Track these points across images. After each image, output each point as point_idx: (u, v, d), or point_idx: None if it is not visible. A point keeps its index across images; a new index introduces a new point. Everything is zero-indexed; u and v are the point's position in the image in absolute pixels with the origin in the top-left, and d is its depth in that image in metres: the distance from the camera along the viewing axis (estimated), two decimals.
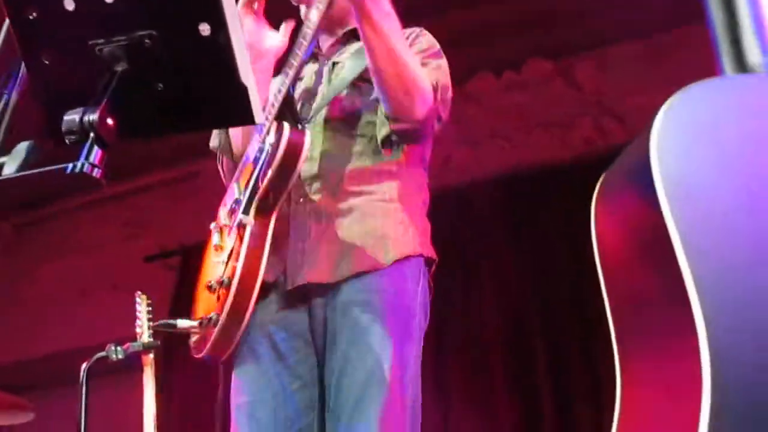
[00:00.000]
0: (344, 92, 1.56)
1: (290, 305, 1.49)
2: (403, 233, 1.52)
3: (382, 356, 1.40)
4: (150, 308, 2.11)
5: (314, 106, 1.56)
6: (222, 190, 1.68)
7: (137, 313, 2.11)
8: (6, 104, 0.92)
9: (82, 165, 0.80)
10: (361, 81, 1.55)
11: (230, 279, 1.39)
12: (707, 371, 0.68)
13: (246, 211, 1.42)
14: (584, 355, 3.26)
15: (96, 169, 0.80)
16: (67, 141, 0.82)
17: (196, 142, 1.95)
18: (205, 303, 1.49)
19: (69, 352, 3.64)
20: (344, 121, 1.58)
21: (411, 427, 1.42)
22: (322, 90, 1.60)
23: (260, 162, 1.45)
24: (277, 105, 1.47)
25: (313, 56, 1.76)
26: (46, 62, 0.87)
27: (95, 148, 0.81)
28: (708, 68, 1.06)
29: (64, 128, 0.81)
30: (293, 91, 1.54)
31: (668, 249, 0.73)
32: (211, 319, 1.40)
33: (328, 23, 1.71)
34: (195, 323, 1.45)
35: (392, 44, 1.41)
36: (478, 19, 3.56)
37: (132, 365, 2.16)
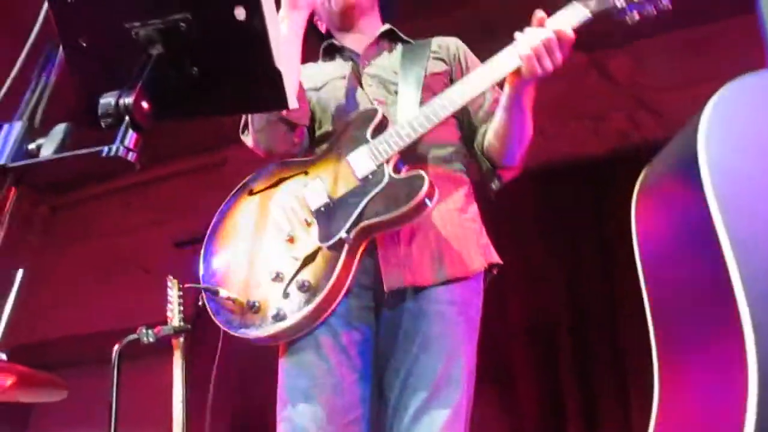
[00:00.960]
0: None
1: (362, 303, 1.54)
2: (480, 244, 1.61)
3: (453, 363, 1.47)
4: (181, 292, 2.13)
5: (403, 133, 1.53)
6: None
7: (168, 297, 2.13)
8: (44, 87, 0.93)
9: (117, 148, 0.80)
10: (424, 91, 1.61)
11: (312, 287, 1.43)
12: (753, 367, 0.66)
13: (349, 231, 1.45)
14: (611, 350, 3.22)
15: (131, 153, 0.80)
16: (102, 124, 0.82)
17: (225, 128, 1.96)
18: (257, 284, 1.49)
19: (101, 333, 3.70)
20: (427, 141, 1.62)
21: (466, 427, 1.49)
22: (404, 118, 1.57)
23: (375, 189, 1.47)
24: (407, 141, 1.50)
25: (339, 52, 1.78)
26: (83, 45, 0.87)
27: (130, 131, 0.81)
28: (747, 62, 1.02)
29: (99, 111, 0.82)
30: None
31: (713, 242, 0.70)
32: (275, 313, 1.43)
33: (353, 21, 1.76)
34: (240, 299, 1.46)
35: (529, 118, 1.57)
36: (512, 7, 3.52)
37: (162, 349, 2.19)
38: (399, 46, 1.76)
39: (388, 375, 1.50)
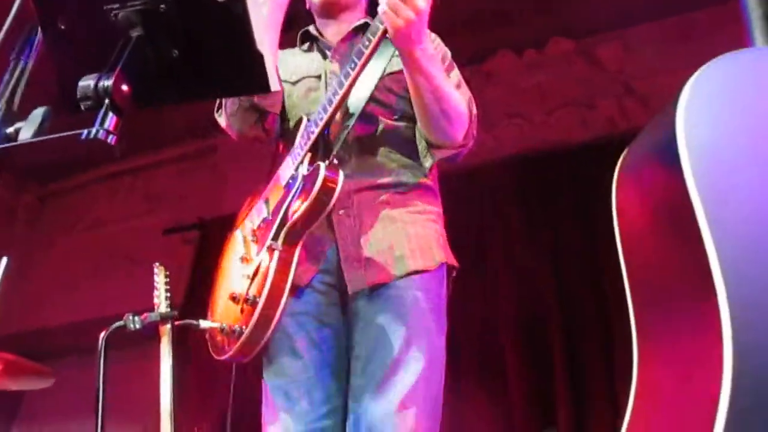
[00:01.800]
0: (364, 107, 1.57)
1: (329, 301, 1.59)
2: (441, 245, 1.63)
3: (412, 346, 1.49)
4: (167, 279, 2.13)
5: (344, 124, 1.56)
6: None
7: (155, 284, 2.12)
8: (22, 70, 0.92)
9: (97, 131, 0.79)
10: (381, 92, 1.61)
11: (256, 298, 1.49)
12: (729, 348, 0.67)
13: (275, 237, 1.50)
14: (600, 339, 3.23)
15: (111, 136, 0.80)
16: (81, 107, 0.82)
17: (211, 116, 1.95)
18: (227, 311, 1.60)
19: (87, 322, 3.69)
20: (372, 136, 1.63)
21: (433, 413, 1.50)
22: (347, 104, 1.57)
23: (292, 191, 1.52)
24: (312, 138, 1.53)
25: (315, 42, 1.77)
26: (62, 27, 0.86)
27: (110, 114, 0.80)
28: (735, 48, 1.03)
29: (78, 94, 0.81)
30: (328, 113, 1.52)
31: (692, 222, 0.71)
32: (235, 330, 1.52)
33: (334, 13, 1.73)
34: (216, 326, 1.59)
35: (437, 84, 1.50)
36: None
37: (149, 336, 2.18)
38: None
39: (352, 362, 1.54)
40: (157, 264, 2.18)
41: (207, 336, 1.66)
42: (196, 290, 4.12)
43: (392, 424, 1.44)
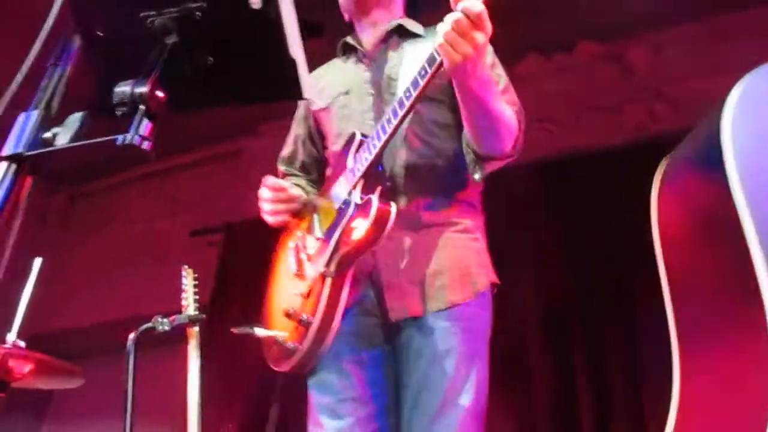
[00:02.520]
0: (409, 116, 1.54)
1: (374, 325, 1.59)
2: (483, 264, 1.62)
3: (461, 378, 1.50)
4: (196, 282, 2.15)
5: (384, 138, 1.51)
6: (263, 172, 1.72)
7: (183, 286, 2.14)
8: (60, 76, 0.93)
9: (132, 137, 0.80)
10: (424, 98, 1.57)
11: (309, 320, 1.52)
12: None
13: (328, 264, 1.52)
14: (626, 350, 3.19)
15: (145, 142, 0.80)
16: (117, 113, 0.83)
17: (239, 120, 1.97)
18: (282, 324, 1.62)
19: (115, 322, 3.74)
20: (417, 149, 1.61)
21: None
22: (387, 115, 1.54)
23: (344, 217, 1.52)
24: (367, 165, 1.51)
25: (351, 48, 1.76)
26: (99, 34, 0.88)
27: (145, 120, 0.81)
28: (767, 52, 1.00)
29: (114, 100, 0.82)
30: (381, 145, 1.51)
31: (737, 232, 0.69)
32: (289, 348, 1.56)
33: (366, 9, 1.73)
34: (273, 335, 1.61)
35: (490, 106, 1.46)
36: None
37: (177, 337, 2.20)
38: (405, 45, 1.68)
39: (402, 391, 1.55)
40: (185, 267, 2.20)
41: (263, 343, 1.68)
42: (222, 292, 4.15)
43: None
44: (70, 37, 0.93)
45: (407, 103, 1.42)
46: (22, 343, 2.19)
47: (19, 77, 0.91)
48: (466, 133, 1.56)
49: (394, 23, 1.73)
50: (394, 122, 1.46)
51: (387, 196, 1.50)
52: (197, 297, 2.13)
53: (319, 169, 1.85)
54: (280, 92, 0.87)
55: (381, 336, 1.59)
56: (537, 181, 3.66)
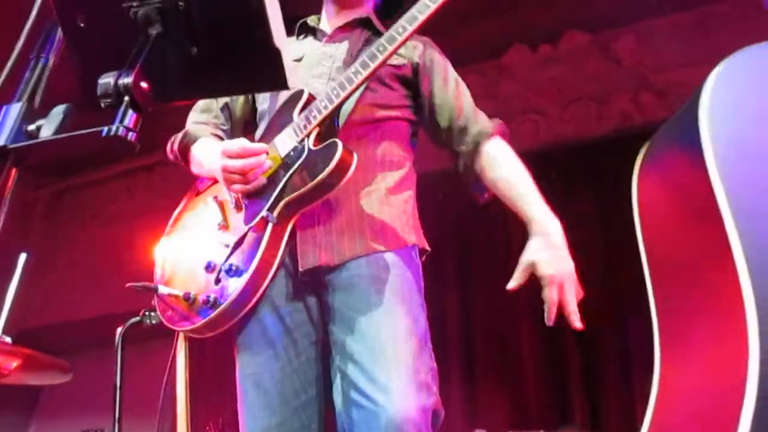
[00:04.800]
0: (362, 92, 1.56)
1: (296, 283, 1.52)
2: (411, 224, 1.58)
3: (396, 321, 1.41)
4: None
5: (342, 110, 1.54)
6: None
7: None
8: (43, 68, 0.93)
9: (117, 128, 0.80)
10: (373, 80, 1.57)
11: (240, 270, 1.43)
12: (754, 334, 0.66)
13: (271, 209, 1.45)
14: (616, 332, 3.22)
15: (131, 133, 0.80)
16: (101, 104, 0.82)
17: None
18: (194, 278, 1.51)
19: (104, 317, 3.73)
20: (358, 120, 1.59)
21: (432, 381, 1.42)
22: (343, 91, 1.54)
23: (295, 165, 1.46)
24: (326, 113, 1.48)
25: (312, 30, 1.76)
26: (82, 25, 0.87)
27: (130, 111, 0.81)
28: (753, 41, 1.01)
29: (98, 92, 0.82)
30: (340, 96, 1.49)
31: (715, 212, 0.70)
32: (208, 300, 1.44)
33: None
34: (180, 294, 1.48)
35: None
36: None
37: (165, 331, 2.20)
38: (370, 37, 1.68)
39: (330, 345, 1.47)
40: None
41: (161, 304, 1.56)
42: None
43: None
44: (53, 29, 0.93)
45: (380, 56, 1.43)
46: (8, 339, 2.18)
47: (5, 71, 0.90)
48: (486, 179, 1.66)
49: (362, 15, 1.74)
50: (363, 73, 1.44)
51: (351, 151, 1.45)
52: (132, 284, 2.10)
53: (233, 122, 1.79)
54: (264, 82, 0.87)
55: (302, 296, 1.51)
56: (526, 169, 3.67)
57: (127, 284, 1.55)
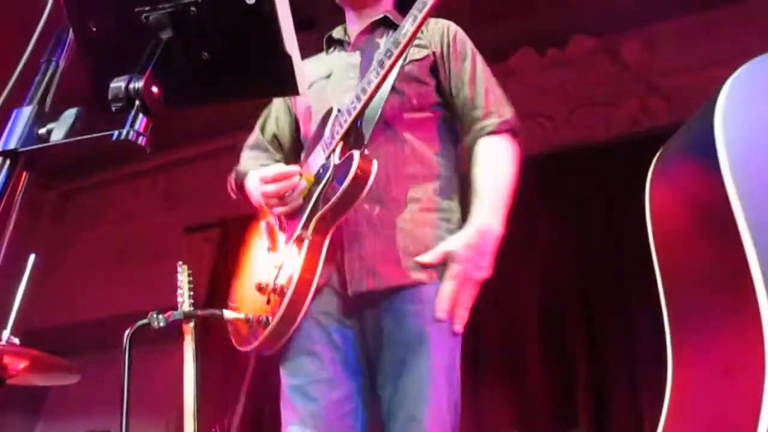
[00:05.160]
0: (388, 97, 1.56)
1: (344, 305, 1.56)
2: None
3: (437, 365, 1.47)
4: (191, 278, 2.15)
5: (366, 117, 1.55)
6: None
7: (178, 283, 2.14)
8: (54, 71, 0.93)
9: (128, 132, 0.80)
10: (400, 81, 1.58)
11: (284, 289, 1.48)
12: None
13: (305, 227, 1.50)
14: (623, 339, 3.21)
15: (141, 137, 0.80)
16: (112, 108, 0.83)
17: (234, 115, 1.97)
18: (253, 301, 1.58)
19: (111, 318, 3.74)
20: (388, 127, 1.60)
21: (453, 425, 1.49)
22: (372, 107, 1.56)
23: (323, 180, 1.51)
24: (346, 126, 1.51)
25: (336, 41, 1.78)
26: (93, 29, 0.88)
27: (140, 115, 0.81)
28: (762, 45, 1.01)
29: (110, 96, 0.82)
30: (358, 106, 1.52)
31: (731, 223, 0.69)
32: (261, 321, 1.51)
33: (359, 1, 1.72)
34: (241, 316, 1.58)
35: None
36: None
37: (173, 333, 2.20)
38: (390, 33, 1.69)
39: (379, 375, 1.52)
40: (181, 263, 2.20)
41: (231, 328, 1.65)
42: (217, 288, 4.15)
43: None
44: (64, 33, 0.93)
45: (388, 62, 1.44)
46: (16, 340, 2.19)
47: (15, 74, 0.90)
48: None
49: (379, 15, 1.74)
50: (375, 81, 1.46)
51: (369, 158, 1.48)
52: (192, 293, 2.12)
53: (284, 151, 1.85)
54: (275, 88, 0.87)
55: (350, 314, 1.56)
56: (531, 176, 3.66)
57: (200, 313, 1.74)
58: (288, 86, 0.84)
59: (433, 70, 1.65)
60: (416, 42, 1.63)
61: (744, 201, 0.71)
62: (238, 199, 1.80)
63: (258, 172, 1.63)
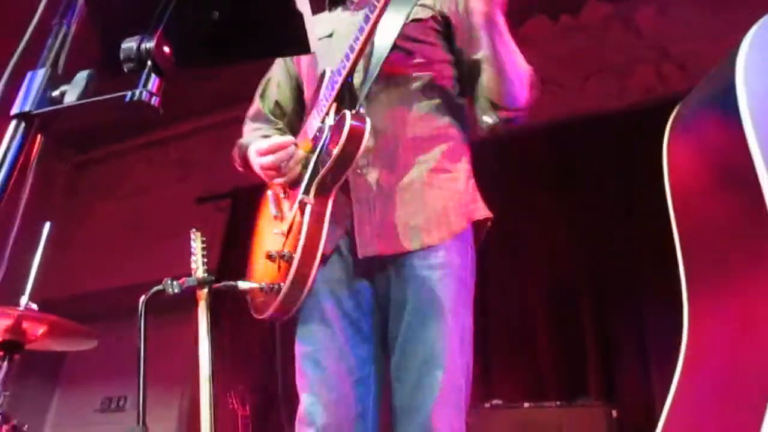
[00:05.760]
0: (388, 54, 1.54)
1: (354, 271, 1.57)
2: (462, 204, 1.57)
3: (445, 328, 1.46)
4: (204, 245, 2.16)
5: (366, 76, 1.54)
6: None
7: (192, 249, 2.15)
8: (65, 34, 0.93)
9: (140, 93, 0.80)
10: (404, 40, 1.57)
11: (291, 254, 1.49)
12: None
13: (306, 191, 1.50)
14: (632, 307, 3.21)
15: (154, 97, 0.80)
16: (124, 69, 0.82)
17: (246, 85, 1.97)
18: (265, 270, 1.60)
19: (125, 288, 3.78)
20: (394, 87, 1.58)
21: (466, 392, 1.49)
22: (368, 55, 1.55)
23: (320, 143, 1.51)
24: (337, 87, 1.50)
25: (340, 0, 1.75)
26: None
27: (153, 76, 0.81)
28: None
29: (121, 56, 0.82)
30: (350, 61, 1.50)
31: (750, 173, 0.68)
32: (273, 288, 1.53)
33: None
34: (256, 286, 1.59)
35: (513, 50, 1.53)
36: None
37: (187, 302, 2.22)
38: None
39: (388, 338, 1.53)
40: (194, 230, 2.21)
41: (248, 298, 1.67)
42: (229, 257, 4.19)
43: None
44: None
45: (372, 17, 1.43)
46: (35, 306, 2.22)
47: (26, 37, 0.90)
48: (483, 80, 1.56)
49: None
50: (361, 38, 1.45)
51: (363, 117, 1.47)
52: (206, 260, 2.13)
53: (287, 117, 1.84)
54: (287, 46, 0.87)
55: (361, 280, 1.56)
56: (545, 144, 3.64)
57: (214, 286, 1.73)
58: (300, 44, 0.83)
59: (439, 32, 1.63)
60: (421, 1, 1.61)
61: (765, 153, 0.70)
62: (245, 171, 1.80)
63: (254, 144, 1.65)
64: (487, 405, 2.87)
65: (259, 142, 1.62)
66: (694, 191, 0.87)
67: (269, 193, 1.70)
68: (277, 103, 1.84)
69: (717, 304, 0.82)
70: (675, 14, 3.58)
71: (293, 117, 1.83)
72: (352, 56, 1.47)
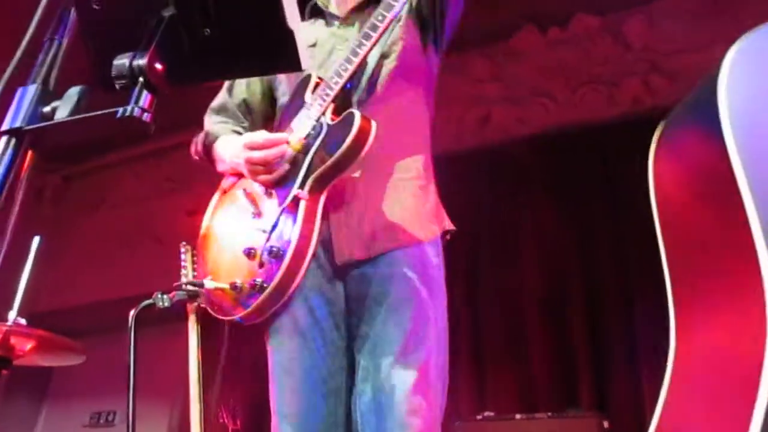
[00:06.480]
0: (373, 67, 1.59)
1: (327, 275, 1.55)
2: (434, 212, 1.61)
3: (420, 325, 1.46)
4: (194, 258, 2.15)
5: (355, 83, 1.57)
6: None
7: (182, 263, 2.15)
8: (57, 50, 0.93)
9: (132, 109, 0.80)
10: (389, 47, 1.61)
11: (281, 250, 1.46)
12: None
13: (301, 186, 1.48)
14: (623, 317, 3.23)
15: (146, 113, 0.81)
16: (116, 86, 0.83)
17: None
18: (238, 268, 1.54)
19: (114, 301, 3.76)
20: (377, 97, 1.60)
21: (443, 396, 1.49)
22: (360, 73, 1.59)
23: (318, 139, 1.51)
24: (336, 88, 1.52)
25: (320, 12, 1.78)
26: (96, 7, 0.87)
27: (144, 92, 0.81)
28: (763, 24, 1.00)
29: (113, 73, 0.82)
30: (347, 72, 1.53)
31: (733, 190, 0.70)
32: (256, 284, 1.47)
33: None
34: (225, 286, 1.52)
35: None
36: None
37: (177, 315, 2.21)
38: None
39: (358, 340, 1.51)
40: (184, 243, 2.20)
41: (207, 299, 1.60)
42: None
43: (402, 411, 1.40)
44: (66, 11, 0.93)
45: (381, 25, 1.47)
46: (23, 321, 2.20)
47: (18, 52, 0.90)
48: None
49: None
50: (367, 44, 1.49)
51: (368, 117, 1.48)
52: (196, 273, 2.13)
53: (253, 117, 1.83)
54: (278, 63, 0.87)
55: (334, 284, 1.55)
56: (534, 156, 3.67)
57: (174, 284, 1.65)
58: (291, 61, 0.84)
59: (411, 11, 1.67)
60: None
61: (746, 166, 0.71)
62: (201, 161, 1.78)
63: (240, 138, 1.62)
64: (479, 417, 2.87)
65: (251, 135, 1.58)
66: (678, 205, 0.89)
67: (239, 192, 1.66)
68: (244, 101, 1.83)
69: (703, 314, 0.83)
70: (663, 27, 3.62)
71: (259, 118, 1.82)
72: (356, 60, 1.50)
